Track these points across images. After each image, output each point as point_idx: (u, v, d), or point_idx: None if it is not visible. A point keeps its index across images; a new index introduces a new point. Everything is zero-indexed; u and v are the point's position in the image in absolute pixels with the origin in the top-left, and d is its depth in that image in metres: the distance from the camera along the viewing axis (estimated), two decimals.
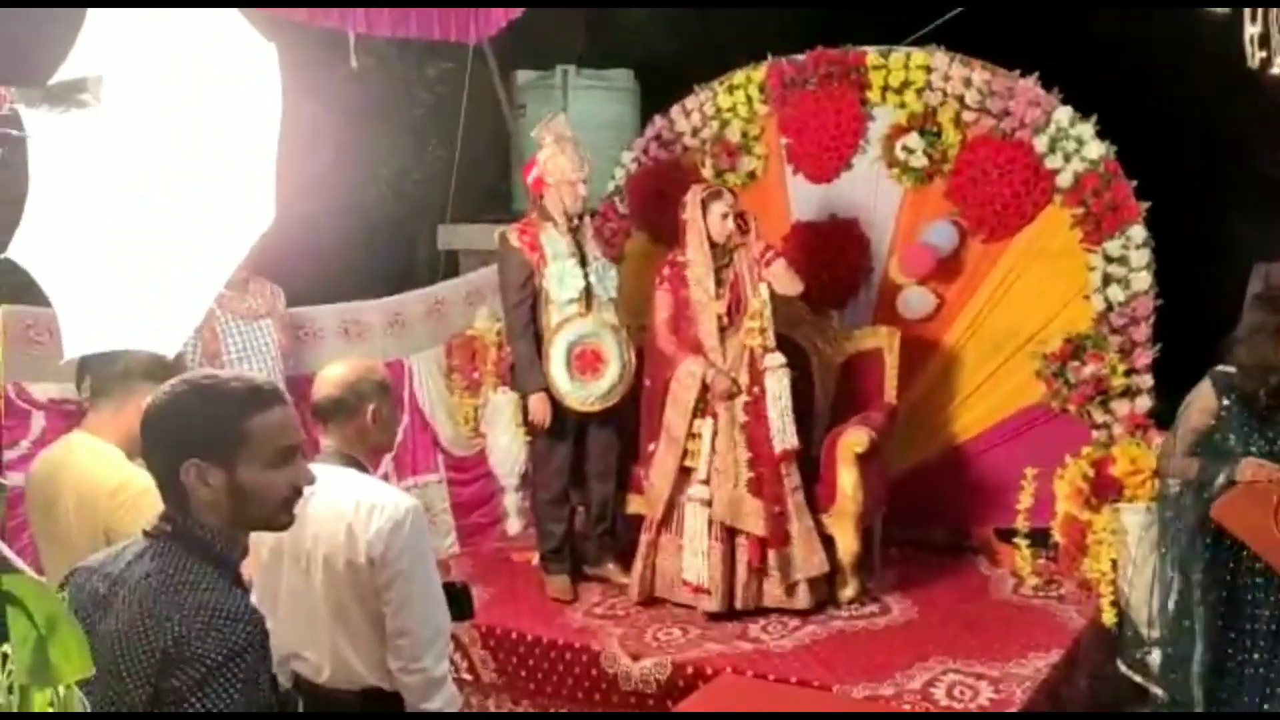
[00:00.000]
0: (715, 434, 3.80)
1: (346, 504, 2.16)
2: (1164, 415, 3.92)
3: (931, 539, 4.44)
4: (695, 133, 4.87)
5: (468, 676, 3.80)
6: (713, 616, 3.77)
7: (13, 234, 1.44)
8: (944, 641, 3.55)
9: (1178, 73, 5.81)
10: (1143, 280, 4.01)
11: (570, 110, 5.15)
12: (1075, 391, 4.02)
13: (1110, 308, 4.05)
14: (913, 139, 4.38)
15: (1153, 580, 3.57)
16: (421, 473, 4.67)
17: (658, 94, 5.30)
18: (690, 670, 3.43)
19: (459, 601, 2.32)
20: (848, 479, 3.80)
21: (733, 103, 4.77)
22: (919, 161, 4.39)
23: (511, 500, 4.79)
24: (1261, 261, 4.42)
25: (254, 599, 2.24)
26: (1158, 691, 3.43)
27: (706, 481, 3.79)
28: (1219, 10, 3.48)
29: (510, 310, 4.04)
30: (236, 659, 1.42)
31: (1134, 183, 4.05)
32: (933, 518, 4.45)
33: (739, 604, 3.79)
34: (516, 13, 5.17)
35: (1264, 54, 3.59)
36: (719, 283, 3.86)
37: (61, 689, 1.01)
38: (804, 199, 4.69)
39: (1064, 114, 4.14)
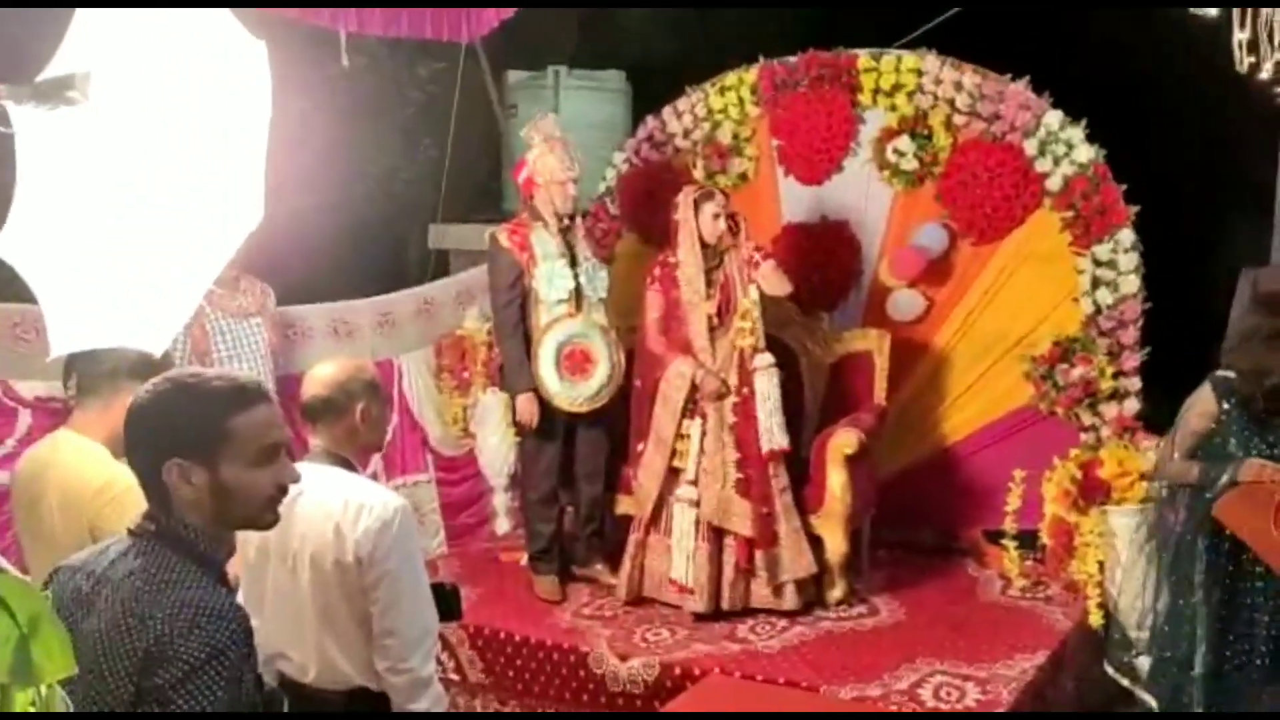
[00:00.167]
0: (704, 434, 3.80)
1: (335, 503, 2.16)
2: (1152, 418, 3.95)
3: (920, 540, 4.45)
4: (687, 134, 4.88)
5: (455, 677, 3.80)
6: (700, 617, 3.77)
7: None
8: (931, 643, 3.56)
9: (1167, 78, 5.84)
10: (1131, 284, 4.02)
11: (562, 111, 5.16)
12: (1063, 394, 4.03)
13: (1099, 311, 4.06)
14: (903, 142, 4.39)
15: (1144, 584, 3.59)
16: (410, 472, 4.67)
17: (649, 95, 5.30)
18: (678, 671, 3.43)
19: (447, 602, 2.31)
20: (837, 480, 3.81)
21: (724, 104, 4.78)
22: (909, 164, 4.40)
23: (500, 500, 4.78)
24: (1249, 266, 4.43)
25: (240, 598, 2.24)
26: (1146, 697, 3.44)
27: (695, 482, 3.80)
28: (1209, 14, 3.50)
29: (499, 310, 4.04)
30: (220, 657, 1.42)
31: (1123, 187, 4.07)
32: (921, 519, 4.46)
33: (726, 605, 3.79)
34: (508, 12, 5.17)
35: (1252, 59, 3.61)
36: (709, 283, 3.87)
37: (44, 688, 1.00)
38: (795, 201, 4.70)
39: (1054, 118, 4.16)
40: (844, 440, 3.81)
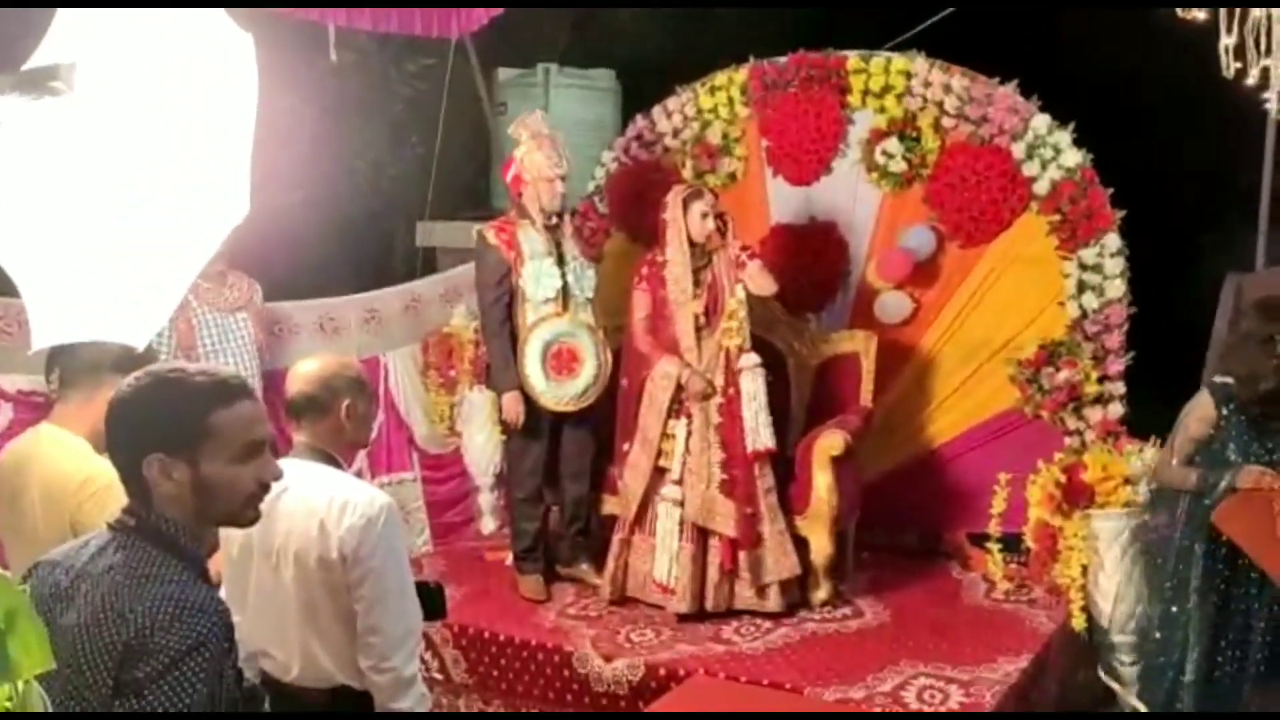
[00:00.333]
0: (689, 434, 3.80)
1: (319, 500, 2.14)
2: (1136, 423, 3.97)
3: (904, 543, 4.46)
4: (676, 133, 4.88)
5: (439, 676, 3.79)
6: (685, 618, 3.77)
7: None
8: (915, 645, 3.57)
9: (1154, 83, 5.87)
10: (1117, 288, 4.04)
11: (551, 109, 5.15)
12: (1049, 398, 4.05)
13: (1084, 315, 4.08)
14: (892, 144, 4.40)
15: (1128, 588, 3.60)
16: (396, 470, 4.65)
17: (639, 94, 5.30)
18: (662, 672, 3.43)
19: (431, 601, 2.31)
20: (822, 482, 3.81)
21: (714, 104, 4.78)
22: (898, 166, 4.41)
23: (486, 499, 4.78)
24: (1234, 272, 4.45)
25: (222, 595, 2.23)
26: (1136, 702, 3.46)
27: (680, 482, 3.80)
28: (1196, 18, 3.51)
29: (486, 308, 4.03)
30: (200, 650, 1.40)
31: (1110, 191, 4.09)
32: (906, 522, 4.47)
33: (710, 605, 3.79)
34: (498, 10, 5.17)
35: (1239, 65, 3.63)
36: (697, 283, 3.87)
37: (20, 683, 0.99)
38: (783, 201, 4.70)
39: (1041, 121, 4.17)
40: (830, 442, 3.81)
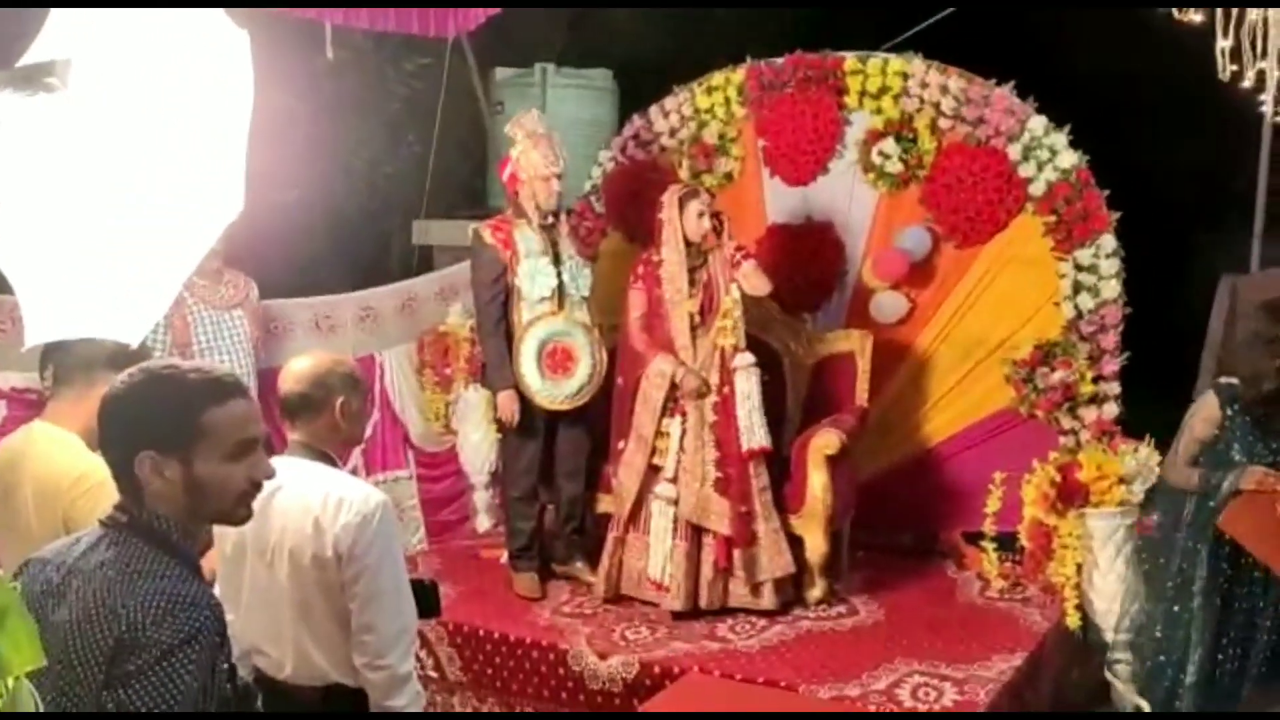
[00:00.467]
0: (684, 433, 3.80)
1: (314, 498, 2.14)
2: (1130, 423, 3.98)
3: (899, 542, 4.46)
4: (673, 133, 4.87)
5: (433, 674, 3.79)
6: (680, 616, 3.77)
7: None
8: (910, 643, 3.57)
9: (1150, 85, 5.89)
10: (1112, 289, 4.05)
11: (548, 109, 5.15)
12: (1044, 397, 4.05)
13: (1080, 315, 4.08)
14: (888, 144, 4.41)
15: (1124, 587, 3.61)
16: (391, 468, 4.66)
17: (636, 94, 5.30)
18: (657, 669, 3.43)
19: (425, 598, 2.31)
20: (818, 481, 3.82)
21: (711, 104, 4.78)
22: (894, 167, 4.41)
23: (481, 497, 4.78)
24: (1229, 273, 4.47)
25: (216, 592, 2.22)
26: (1139, 700, 3.46)
27: (674, 480, 3.80)
28: (1193, 20, 3.52)
29: (482, 307, 4.03)
30: (191, 643, 1.40)
31: (1105, 193, 4.09)
32: (901, 521, 4.48)
33: (704, 603, 3.80)
34: (496, 10, 5.17)
35: (1235, 68, 3.64)
36: (692, 282, 3.87)
37: (10, 680, 0.99)
38: (780, 201, 4.71)
39: (1038, 123, 4.17)
40: (825, 441, 3.82)
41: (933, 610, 3.88)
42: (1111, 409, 4.02)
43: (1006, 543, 3.99)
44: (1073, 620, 3.69)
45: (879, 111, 4.46)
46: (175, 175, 1.42)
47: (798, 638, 3.67)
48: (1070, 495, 3.70)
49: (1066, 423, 4.05)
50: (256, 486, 1.58)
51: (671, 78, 4.91)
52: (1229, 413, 3.11)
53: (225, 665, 1.50)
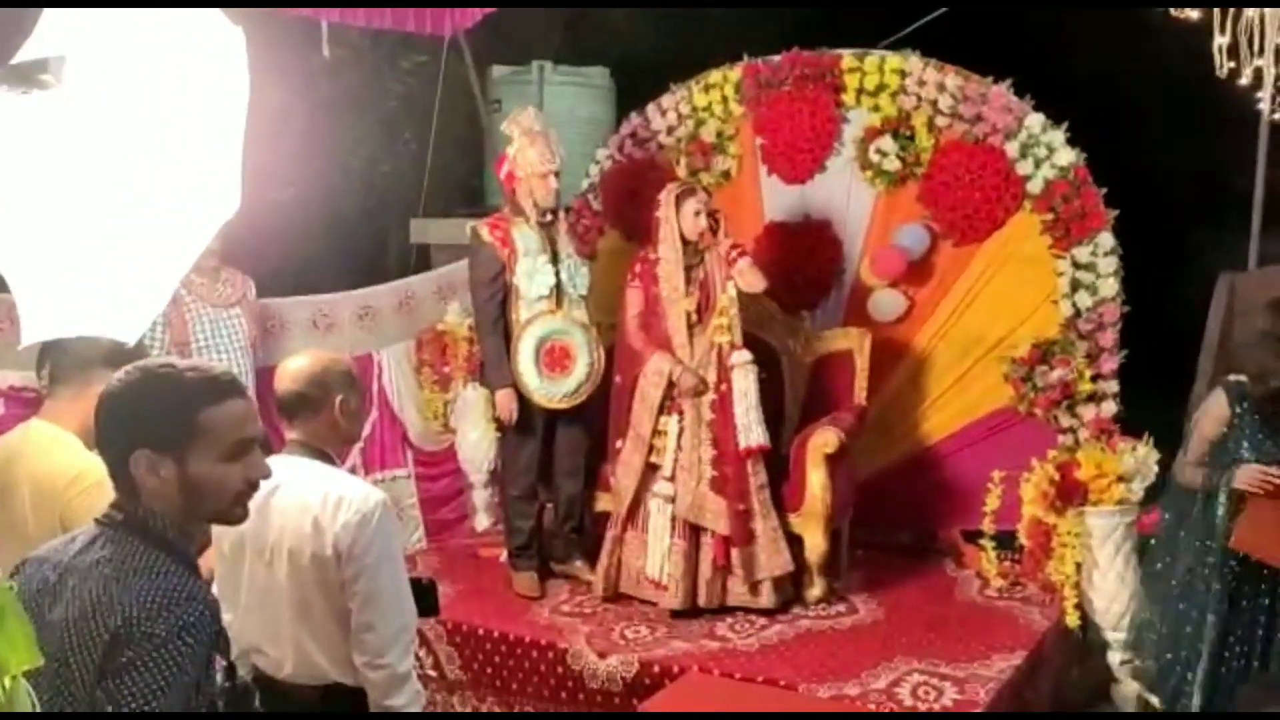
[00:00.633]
0: (681, 431, 3.80)
1: (313, 497, 2.14)
2: (1129, 420, 3.98)
3: (898, 540, 4.46)
4: (670, 131, 4.87)
5: (433, 673, 3.78)
6: (679, 614, 3.77)
7: None
8: (909, 642, 3.57)
9: (1148, 83, 5.89)
10: (1110, 287, 4.05)
11: (546, 107, 5.14)
12: (1042, 396, 4.05)
13: (1078, 313, 4.08)
14: (886, 142, 4.40)
15: (1123, 586, 3.61)
16: (390, 467, 4.65)
17: (634, 92, 5.29)
18: (657, 668, 3.43)
19: (424, 597, 2.30)
20: (816, 479, 3.81)
21: (708, 102, 4.77)
22: (892, 165, 4.41)
23: (480, 496, 4.77)
24: (1227, 271, 4.46)
25: (215, 591, 2.22)
26: (1151, 698, 3.46)
27: (671, 478, 3.80)
28: (1190, 16, 3.52)
29: (480, 305, 4.03)
30: (184, 635, 1.39)
31: (1103, 190, 4.09)
32: (900, 519, 4.48)
33: (703, 602, 3.79)
34: (492, 8, 5.16)
35: (1232, 64, 3.64)
36: (689, 281, 3.87)
37: (8, 680, 0.98)
38: (777, 200, 4.70)
39: (1035, 121, 4.17)
40: (824, 439, 3.81)
41: (932, 609, 3.88)
42: (1110, 407, 4.02)
43: (1006, 541, 3.99)
44: (1072, 619, 3.69)
45: (876, 109, 4.46)
46: (171, 173, 1.41)
47: (797, 636, 3.67)
48: (1069, 493, 3.70)
49: (1065, 421, 4.05)
50: (253, 486, 1.57)
51: (669, 76, 4.90)
52: (1237, 410, 3.11)
53: (223, 663, 1.49)
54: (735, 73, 4.73)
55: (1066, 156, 4.12)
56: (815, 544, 3.85)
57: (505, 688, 3.70)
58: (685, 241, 3.86)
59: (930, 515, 4.45)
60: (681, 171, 4.73)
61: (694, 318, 3.86)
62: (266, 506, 2.12)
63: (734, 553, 3.77)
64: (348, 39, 5.28)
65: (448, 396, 4.68)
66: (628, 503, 3.89)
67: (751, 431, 3.73)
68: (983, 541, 4.00)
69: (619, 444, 3.95)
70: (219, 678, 1.48)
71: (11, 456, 2.25)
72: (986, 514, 3.95)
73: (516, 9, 5.38)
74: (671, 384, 3.81)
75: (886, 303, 4.46)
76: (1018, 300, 4.25)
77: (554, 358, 3.98)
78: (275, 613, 2.17)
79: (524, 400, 3.98)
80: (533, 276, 3.93)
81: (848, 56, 4.50)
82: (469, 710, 3.78)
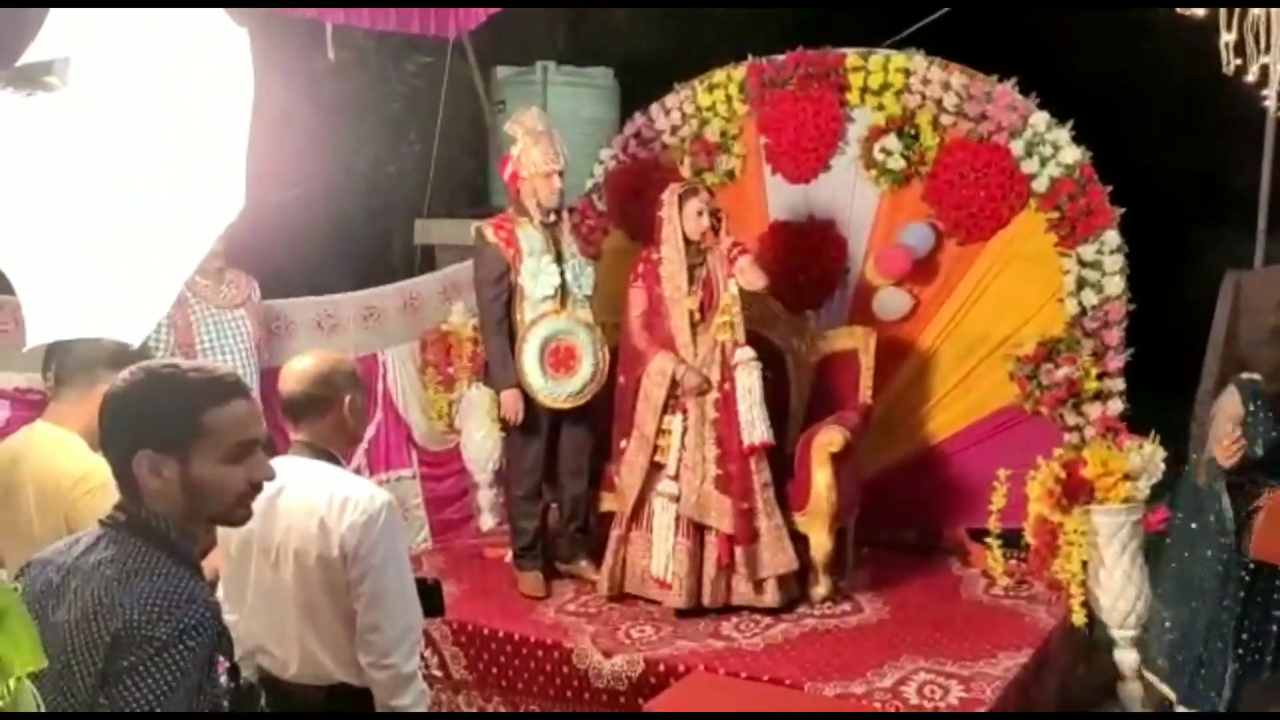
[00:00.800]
0: (685, 430, 3.80)
1: (319, 497, 2.14)
2: (1135, 418, 3.97)
3: (904, 539, 4.46)
4: (674, 131, 4.87)
5: (438, 673, 3.78)
6: (684, 614, 3.77)
7: None
8: (915, 641, 3.57)
9: (1153, 80, 5.87)
10: (1116, 285, 4.04)
11: (550, 107, 5.15)
12: (1048, 394, 4.04)
13: (1084, 311, 4.07)
14: (891, 141, 4.40)
15: (1128, 583, 3.59)
16: (394, 467, 4.66)
17: (638, 92, 5.29)
18: (662, 668, 3.43)
19: (429, 597, 2.31)
20: (822, 478, 3.81)
21: (712, 101, 4.77)
22: (896, 163, 4.40)
23: (484, 496, 4.78)
24: (1233, 269, 4.45)
25: (220, 592, 2.22)
26: (1166, 689, 3.43)
27: (675, 477, 3.80)
28: (1196, 15, 3.51)
29: (485, 306, 4.03)
30: (186, 638, 1.40)
31: (1109, 188, 4.08)
32: (906, 518, 4.47)
33: (707, 600, 3.79)
34: (496, 9, 5.17)
35: (1239, 61, 3.63)
36: (692, 280, 3.87)
37: (12, 681, 0.98)
38: (782, 199, 4.70)
39: (1040, 119, 4.16)
40: (829, 438, 3.81)
41: (938, 607, 3.88)
42: (1116, 405, 4.01)
43: (1011, 539, 3.98)
44: (1078, 617, 3.68)
45: (881, 108, 4.45)
46: (175, 174, 1.42)
47: (802, 635, 3.66)
48: (1075, 492, 3.68)
49: (1071, 419, 4.04)
50: (256, 488, 1.57)
51: (672, 75, 4.90)
52: (1251, 408, 3.10)
53: (226, 663, 1.50)
54: (739, 72, 4.72)
55: (1072, 154, 4.11)
56: (820, 543, 3.85)
57: (511, 688, 3.70)
58: (688, 241, 3.86)
59: (936, 514, 4.44)
60: (686, 171, 4.73)
61: (697, 317, 3.86)
62: (273, 507, 2.13)
63: (738, 551, 3.77)
64: (352, 40, 5.29)
65: (452, 397, 4.68)
66: (632, 502, 3.89)
67: (755, 429, 3.73)
68: (988, 540, 3.99)
69: (623, 444, 3.95)
70: (223, 679, 1.48)
71: (17, 458, 2.26)
72: (992, 512, 3.94)
73: (520, 9, 5.38)
74: (675, 383, 3.81)
75: (891, 301, 4.46)
76: (1023, 298, 4.24)
77: (559, 358, 3.98)
78: (281, 613, 2.18)
79: (529, 400, 3.98)
80: (537, 277, 3.93)
81: (852, 55, 4.50)
82: (474, 710, 3.78)
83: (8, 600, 0.97)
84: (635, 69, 5.74)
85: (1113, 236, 4.05)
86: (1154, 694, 3.58)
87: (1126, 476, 3.65)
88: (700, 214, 3.83)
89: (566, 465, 4.14)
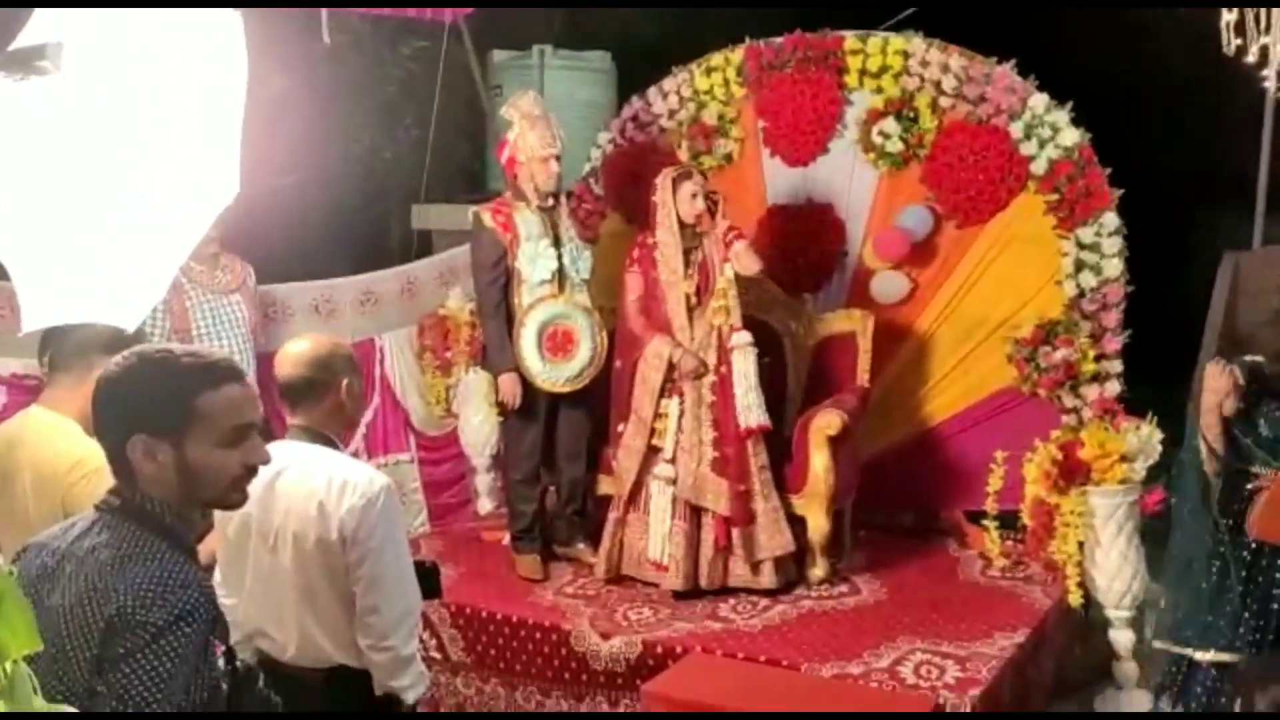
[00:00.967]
0: (682, 413, 3.81)
1: (318, 481, 2.15)
2: (1133, 400, 3.97)
3: (901, 521, 4.47)
4: (672, 114, 4.85)
5: (436, 655, 3.80)
6: (681, 595, 3.78)
7: None
8: (912, 621, 3.58)
9: (1152, 62, 5.85)
10: (1114, 267, 4.03)
11: (546, 91, 5.13)
12: (1045, 376, 4.05)
13: (1082, 293, 4.07)
14: (889, 124, 4.38)
15: (1125, 564, 3.61)
16: (392, 451, 4.67)
17: (635, 75, 5.27)
18: (659, 649, 3.44)
19: (428, 580, 2.32)
20: (819, 461, 3.82)
21: (710, 85, 4.75)
22: (895, 146, 4.39)
23: (482, 480, 4.79)
24: (1231, 250, 4.45)
25: (218, 576, 2.23)
26: (1181, 650, 3.42)
27: (672, 460, 3.81)
28: None
29: (482, 290, 4.03)
30: (181, 622, 1.40)
31: (1107, 170, 4.07)
32: (903, 500, 4.48)
33: (704, 583, 3.81)
34: None
35: (1239, 42, 3.62)
36: (688, 264, 3.87)
37: (8, 665, 0.99)
38: (780, 182, 4.69)
39: (1039, 101, 4.15)
40: (827, 421, 3.82)
41: (935, 589, 3.89)
42: (1114, 387, 4.01)
43: (1008, 521, 3.99)
44: (1074, 598, 3.70)
45: (879, 90, 4.43)
46: (170, 160, 1.41)
47: (800, 617, 3.68)
48: (1072, 473, 3.69)
49: (1068, 401, 4.05)
50: (251, 471, 1.58)
51: (670, 59, 4.88)
52: (1253, 389, 3.10)
53: (222, 648, 1.50)
54: (737, 55, 4.70)
55: (1071, 136, 4.10)
56: (818, 525, 3.86)
57: (509, 670, 3.72)
58: (683, 225, 3.85)
59: (933, 496, 4.45)
60: (683, 155, 4.72)
61: (693, 300, 3.86)
62: (271, 491, 2.13)
63: (735, 533, 3.78)
64: (348, 25, 5.26)
65: (450, 381, 4.68)
66: (629, 485, 3.90)
67: (751, 412, 3.73)
68: (985, 522, 4.01)
69: (620, 427, 3.95)
70: (220, 662, 1.48)
71: (12, 443, 2.26)
72: (989, 494, 3.95)
73: None
74: (672, 366, 3.82)
75: (889, 284, 4.45)
76: (1021, 281, 4.24)
77: (557, 342, 3.99)
78: (280, 596, 2.19)
79: (527, 384, 3.98)
80: (535, 261, 3.93)
81: (850, 38, 4.48)
82: (472, 692, 3.80)
83: (4, 584, 0.97)
84: (632, 52, 5.71)
85: (1111, 219, 4.05)
86: (1149, 674, 3.59)
87: (1123, 458, 3.66)
88: (694, 197, 3.82)
89: (564, 449, 4.14)
